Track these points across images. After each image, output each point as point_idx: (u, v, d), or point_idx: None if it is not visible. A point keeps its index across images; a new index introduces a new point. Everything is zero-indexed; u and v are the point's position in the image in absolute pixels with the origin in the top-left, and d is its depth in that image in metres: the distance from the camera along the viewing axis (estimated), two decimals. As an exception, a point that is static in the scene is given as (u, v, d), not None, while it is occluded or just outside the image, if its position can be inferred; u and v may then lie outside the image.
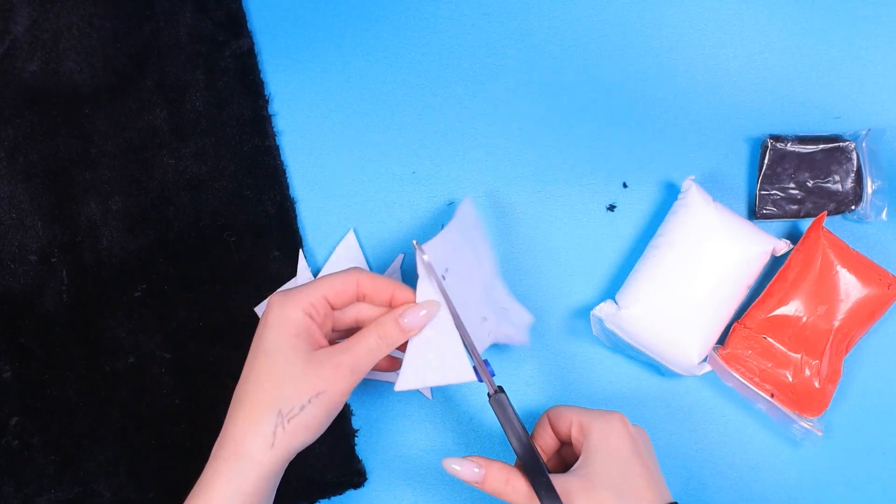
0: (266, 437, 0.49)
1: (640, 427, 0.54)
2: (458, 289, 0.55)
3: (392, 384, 0.64)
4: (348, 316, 0.54)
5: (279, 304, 0.51)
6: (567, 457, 0.56)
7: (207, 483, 0.49)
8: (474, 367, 0.53)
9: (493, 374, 0.54)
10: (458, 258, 0.56)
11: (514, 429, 0.52)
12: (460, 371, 0.55)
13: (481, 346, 0.55)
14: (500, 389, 0.53)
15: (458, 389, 0.65)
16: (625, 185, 0.66)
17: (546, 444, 0.55)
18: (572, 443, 0.53)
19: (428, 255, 0.53)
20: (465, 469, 0.51)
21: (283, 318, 0.50)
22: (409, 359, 0.54)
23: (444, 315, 0.54)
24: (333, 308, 0.53)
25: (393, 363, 0.56)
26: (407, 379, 0.55)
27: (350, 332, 0.55)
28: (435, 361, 0.55)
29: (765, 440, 0.64)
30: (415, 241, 0.53)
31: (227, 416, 0.51)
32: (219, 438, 0.50)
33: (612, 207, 0.65)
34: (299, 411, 0.49)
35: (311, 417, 0.49)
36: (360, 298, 0.54)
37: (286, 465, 0.51)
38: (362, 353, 0.50)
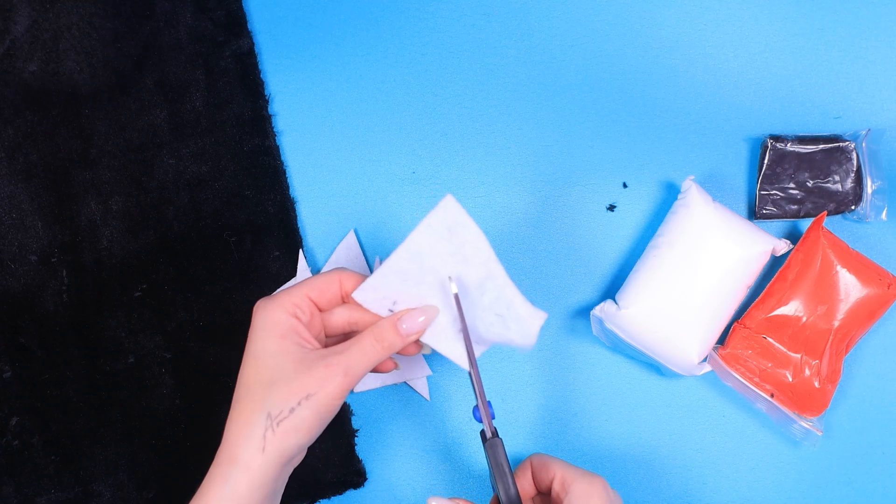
0: (256, 441, 0.48)
1: (616, 492, 0.53)
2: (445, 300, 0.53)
3: (394, 386, 0.65)
4: (340, 319, 0.53)
5: (263, 307, 0.50)
6: None
7: (204, 488, 0.49)
8: (475, 408, 0.52)
9: (493, 417, 0.52)
10: (427, 271, 0.53)
11: (504, 478, 0.51)
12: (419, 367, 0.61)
13: (480, 350, 0.54)
14: (496, 434, 0.52)
15: (458, 390, 0.65)
16: (625, 185, 0.66)
17: (524, 490, 0.55)
18: (552, 496, 0.53)
19: (372, 295, 0.52)
20: None
21: (268, 320, 0.50)
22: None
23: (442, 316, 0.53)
24: (320, 309, 0.52)
25: (390, 362, 0.55)
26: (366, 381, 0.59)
27: (345, 337, 0.54)
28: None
29: (765, 440, 0.64)
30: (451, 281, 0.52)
31: (226, 422, 0.50)
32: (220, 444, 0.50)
33: (611, 207, 0.65)
34: (289, 413, 0.48)
35: (301, 420, 0.48)
36: (344, 298, 0.53)
37: (286, 471, 0.51)
38: (356, 355, 0.49)
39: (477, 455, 0.64)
